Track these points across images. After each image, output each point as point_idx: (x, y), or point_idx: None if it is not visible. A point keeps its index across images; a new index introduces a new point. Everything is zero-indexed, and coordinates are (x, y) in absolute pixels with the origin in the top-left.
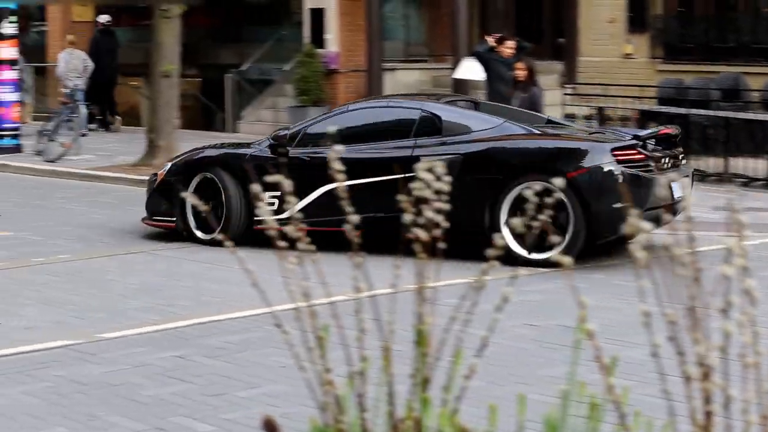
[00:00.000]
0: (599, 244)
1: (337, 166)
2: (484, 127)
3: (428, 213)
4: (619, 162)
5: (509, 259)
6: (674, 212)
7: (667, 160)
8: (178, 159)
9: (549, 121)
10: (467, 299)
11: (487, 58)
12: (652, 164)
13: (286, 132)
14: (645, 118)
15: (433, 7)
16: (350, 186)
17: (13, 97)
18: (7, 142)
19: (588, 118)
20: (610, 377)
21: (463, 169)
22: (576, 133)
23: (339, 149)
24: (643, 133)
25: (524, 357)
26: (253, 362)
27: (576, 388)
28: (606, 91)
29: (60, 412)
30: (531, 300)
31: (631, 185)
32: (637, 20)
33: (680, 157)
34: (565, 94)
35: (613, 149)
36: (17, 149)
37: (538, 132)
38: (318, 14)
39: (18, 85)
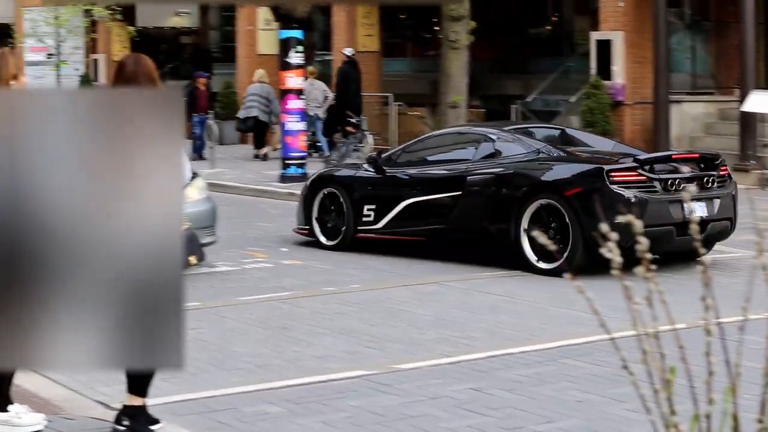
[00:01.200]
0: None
1: None
2: (520, 151)
3: None
4: (614, 183)
5: (525, 266)
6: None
7: (677, 182)
8: (313, 175)
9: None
10: None
11: None
12: (657, 186)
13: (375, 155)
14: None
15: (719, 38)
16: (425, 201)
17: (300, 126)
18: (293, 171)
19: None
20: None
21: (494, 187)
22: (599, 157)
23: None
24: (643, 156)
25: None
26: (548, 396)
27: None
28: None
29: None
30: None
31: (624, 204)
32: None
33: (710, 180)
34: None
35: (609, 171)
36: (303, 178)
37: (557, 156)
38: (605, 46)
39: (303, 115)
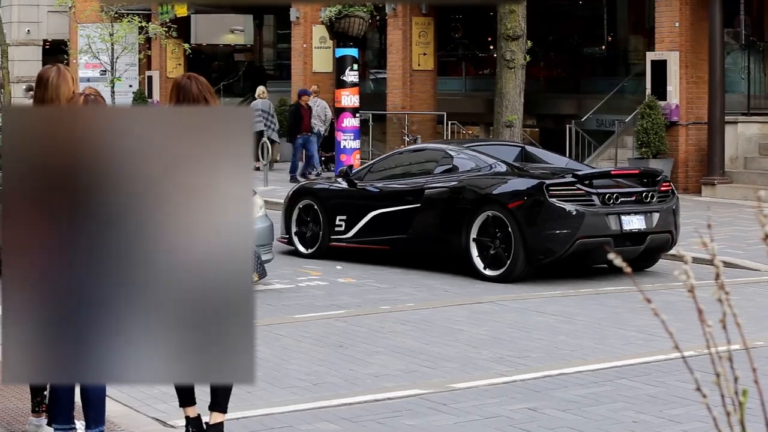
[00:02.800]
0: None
1: None
2: (473, 167)
3: None
4: (553, 196)
5: (473, 273)
6: (632, 242)
7: (614, 196)
8: (293, 188)
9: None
10: None
11: None
12: (596, 199)
13: (346, 169)
14: None
15: None
16: (388, 212)
17: (355, 144)
18: None
19: None
20: None
21: (448, 199)
22: (544, 172)
23: None
24: (582, 171)
25: None
26: (604, 416)
27: None
28: None
29: None
30: None
31: (561, 216)
32: None
33: (648, 195)
34: None
35: (549, 185)
36: None
37: (507, 171)
38: (660, 66)
39: (357, 133)
